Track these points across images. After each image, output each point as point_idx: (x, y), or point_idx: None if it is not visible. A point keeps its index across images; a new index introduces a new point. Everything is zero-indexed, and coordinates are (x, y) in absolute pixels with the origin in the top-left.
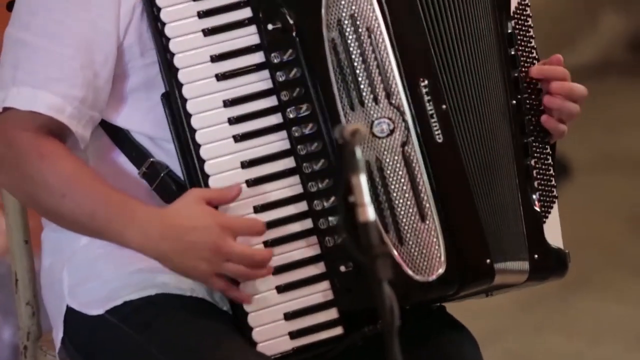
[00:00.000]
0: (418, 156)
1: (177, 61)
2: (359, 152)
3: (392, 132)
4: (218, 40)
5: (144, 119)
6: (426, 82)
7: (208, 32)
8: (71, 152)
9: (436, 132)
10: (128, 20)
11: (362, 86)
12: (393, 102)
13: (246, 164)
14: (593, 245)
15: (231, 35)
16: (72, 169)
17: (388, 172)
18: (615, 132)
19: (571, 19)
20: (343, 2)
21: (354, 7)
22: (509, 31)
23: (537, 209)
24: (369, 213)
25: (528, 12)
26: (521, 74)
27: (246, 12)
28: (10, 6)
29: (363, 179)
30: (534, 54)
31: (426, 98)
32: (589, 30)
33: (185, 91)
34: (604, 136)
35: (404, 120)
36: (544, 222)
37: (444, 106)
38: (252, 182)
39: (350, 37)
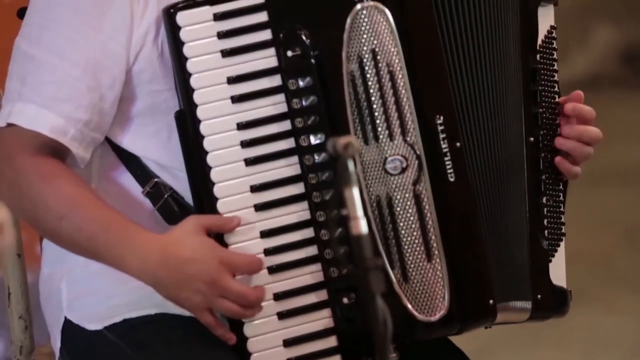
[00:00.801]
0: (429, 195)
1: (194, 81)
2: (351, 165)
3: (404, 169)
4: (236, 62)
5: (147, 143)
6: (442, 118)
7: (226, 54)
8: (72, 173)
9: (449, 171)
10: (140, 46)
11: (377, 121)
12: (408, 139)
13: (256, 188)
14: (587, 258)
15: (249, 57)
16: (73, 191)
17: (398, 209)
18: (609, 144)
19: (563, 31)
20: (365, 36)
21: (375, 42)
22: (533, 66)
23: (545, 247)
24: (362, 226)
25: (554, 45)
26: (541, 109)
27: (266, 35)
28: (20, 13)
29: (356, 192)
30: (556, 88)
31: (441, 136)
32: (582, 43)
33: (200, 112)
34: (598, 149)
35: (418, 158)
36: (550, 260)
37: (458, 144)
38: (260, 207)
39: (370, 71)
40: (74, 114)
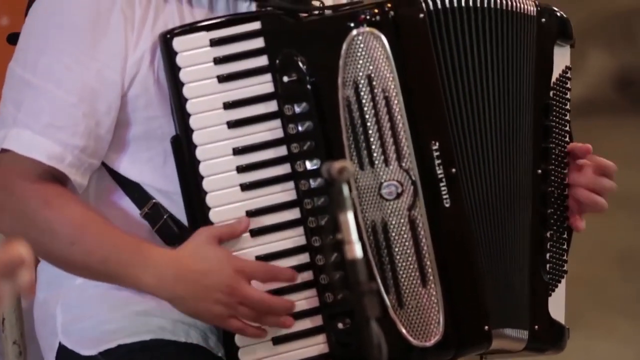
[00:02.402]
0: (424, 220)
1: (190, 107)
2: (346, 189)
3: (399, 195)
4: (232, 88)
5: (143, 168)
6: (437, 144)
7: (223, 79)
8: (76, 197)
9: (444, 197)
10: (135, 72)
11: (373, 147)
12: (403, 165)
13: (251, 213)
14: (581, 283)
15: (245, 83)
16: (80, 216)
17: (393, 234)
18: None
19: None
20: (361, 62)
21: (371, 67)
22: (547, 102)
23: (545, 280)
24: (357, 250)
25: (568, 85)
26: (552, 144)
27: (262, 60)
28: (10, 39)
29: (350, 216)
30: (567, 127)
31: (437, 161)
32: (576, 69)
33: (196, 137)
34: None
35: (413, 184)
36: (550, 294)
37: (453, 170)
38: (256, 232)
39: (366, 97)
40: (71, 140)
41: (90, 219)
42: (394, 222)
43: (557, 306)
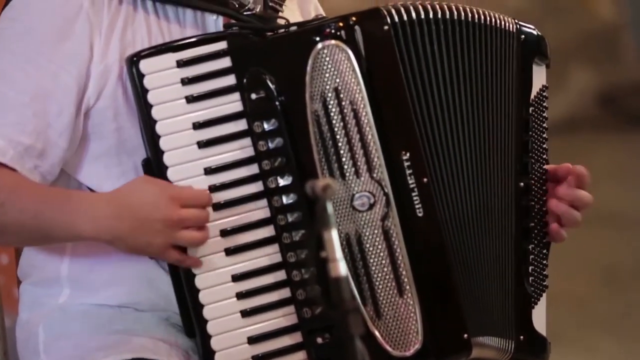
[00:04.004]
0: (398, 230)
1: (159, 128)
2: (330, 207)
3: (372, 206)
4: (201, 108)
5: (115, 184)
6: (408, 155)
7: (191, 99)
8: (10, 170)
9: (417, 206)
10: (104, 83)
11: (343, 159)
12: (374, 175)
13: (226, 233)
14: (565, 300)
15: (214, 102)
16: (10, 178)
17: (367, 245)
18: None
19: None
20: (327, 75)
21: (338, 80)
22: (526, 117)
23: (529, 292)
24: (341, 268)
25: (545, 103)
26: (532, 159)
27: (230, 80)
28: None
29: (334, 234)
30: (545, 145)
31: (407, 171)
32: (559, 86)
33: (167, 158)
34: None
35: (385, 194)
36: (533, 307)
37: (425, 179)
38: (231, 251)
39: (334, 109)
40: (16, 137)
41: (20, 181)
42: (367, 233)
43: (538, 321)
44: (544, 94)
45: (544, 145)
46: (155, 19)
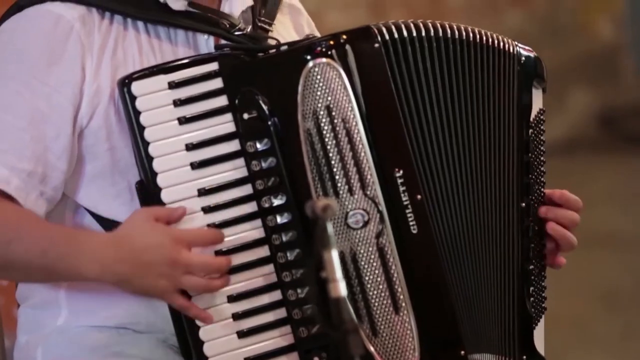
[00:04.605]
0: (393, 247)
1: (152, 150)
2: (330, 227)
3: (366, 223)
4: (193, 129)
5: (111, 204)
6: (401, 172)
7: (184, 121)
8: (12, 203)
9: (411, 223)
10: (97, 103)
11: (337, 177)
12: (368, 193)
13: (220, 253)
14: (565, 321)
15: (207, 123)
16: (15, 215)
17: (362, 263)
18: (586, 208)
19: None
20: (319, 93)
21: (329, 98)
22: (527, 138)
23: (530, 313)
24: (341, 289)
25: (543, 127)
26: (531, 180)
27: (222, 100)
28: None
29: (335, 255)
30: (543, 168)
31: (401, 188)
32: (558, 107)
33: (160, 180)
34: None
35: (379, 212)
36: (534, 328)
37: (419, 196)
38: (226, 272)
39: (326, 127)
40: (18, 164)
41: (24, 217)
42: (362, 251)
43: (537, 342)
44: (542, 117)
45: (542, 168)
46: (147, 37)
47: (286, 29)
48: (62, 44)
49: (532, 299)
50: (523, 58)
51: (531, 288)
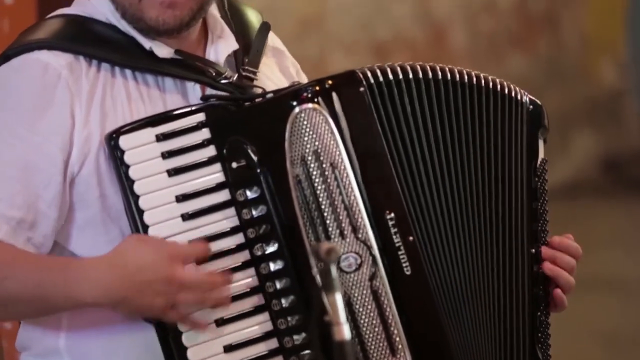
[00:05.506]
0: (387, 290)
1: (143, 203)
2: (334, 270)
3: (359, 266)
4: (183, 180)
5: (105, 252)
6: (392, 214)
7: (173, 173)
8: (2, 242)
9: (404, 265)
10: (87, 150)
11: (327, 221)
12: (360, 236)
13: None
14: None
15: (196, 174)
16: (6, 252)
17: (357, 306)
18: (589, 251)
19: None
20: (306, 138)
21: (317, 143)
22: (534, 185)
23: None
24: (345, 332)
25: (545, 176)
26: (539, 227)
27: (210, 151)
28: None
29: (339, 298)
30: (545, 216)
31: (392, 230)
32: (562, 151)
33: (152, 232)
34: None
35: (372, 254)
36: None
37: (410, 238)
38: (221, 322)
39: (315, 172)
40: (8, 212)
41: (17, 252)
42: (356, 294)
43: None
44: (545, 167)
45: (545, 216)
46: (135, 84)
47: (272, 71)
48: (51, 92)
49: (540, 345)
50: (531, 106)
51: (539, 334)
